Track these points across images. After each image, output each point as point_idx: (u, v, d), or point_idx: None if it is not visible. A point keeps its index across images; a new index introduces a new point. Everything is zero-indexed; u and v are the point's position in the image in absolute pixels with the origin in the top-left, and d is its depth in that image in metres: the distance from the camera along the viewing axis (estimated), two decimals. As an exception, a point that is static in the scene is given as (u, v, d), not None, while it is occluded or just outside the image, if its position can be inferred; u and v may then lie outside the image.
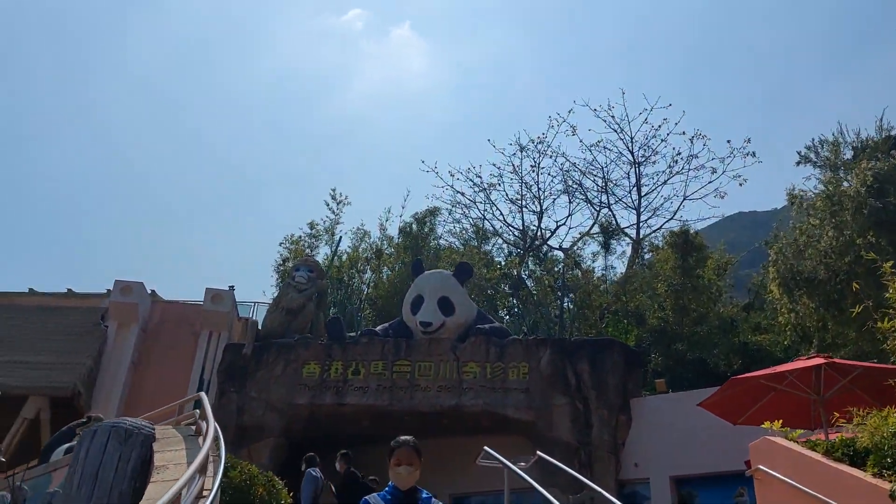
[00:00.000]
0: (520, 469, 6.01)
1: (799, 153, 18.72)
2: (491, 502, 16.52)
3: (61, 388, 14.30)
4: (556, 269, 29.75)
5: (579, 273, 29.21)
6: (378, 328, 17.07)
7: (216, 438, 6.06)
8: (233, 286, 16.87)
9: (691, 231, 21.87)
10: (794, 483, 5.45)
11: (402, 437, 4.10)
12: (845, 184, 15.51)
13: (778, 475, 5.71)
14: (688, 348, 21.05)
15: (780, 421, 6.31)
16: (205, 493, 4.79)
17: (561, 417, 14.58)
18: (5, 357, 14.98)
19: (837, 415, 6.21)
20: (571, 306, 27.99)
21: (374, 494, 3.95)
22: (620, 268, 29.67)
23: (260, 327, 16.68)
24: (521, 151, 28.04)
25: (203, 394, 8.42)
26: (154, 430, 6.37)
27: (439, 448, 16.78)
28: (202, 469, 4.99)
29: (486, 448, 6.68)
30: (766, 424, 6.35)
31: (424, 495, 3.99)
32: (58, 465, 7.37)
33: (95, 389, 15.28)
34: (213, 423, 6.44)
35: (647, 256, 29.05)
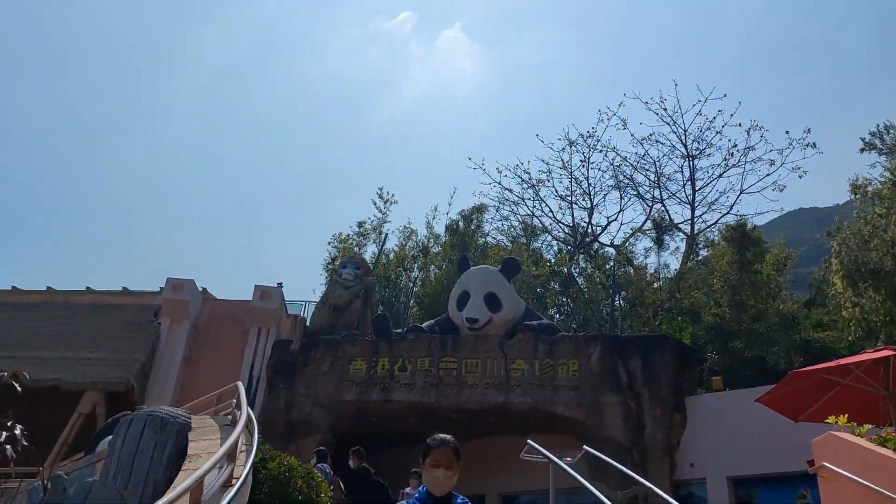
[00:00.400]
0: (566, 464, 5.76)
1: (863, 139, 17.81)
2: (541, 501, 16.21)
3: (116, 383, 14.58)
4: (607, 266, 29.23)
5: (631, 270, 28.59)
6: (424, 325, 16.95)
7: (249, 426, 5.97)
8: (281, 283, 16.99)
9: (748, 225, 21.08)
10: (862, 481, 5.05)
11: (441, 436, 3.47)
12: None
13: (844, 473, 5.31)
14: (746, 346, 20.32)
15: (846, 416, 5.88)
16: (233, 481, 4.69)
17: (612, 416, 14.18)
18: (63, 353, 15.36)
19: (909, 411, 5.76)
20: (623, 304, 27.45)
21: (405, 502, 3.43)
22: (674, 264, 28.88)
23: (308, 324, 16.74)
24: (571, 146, 27.53)
25: (240, 383, 8.37)
26: (190, 419, 6.32)
27: (487, 447, 16.59)
28: (231, 457, 4.90)
29: (529, 442, 6.44)
30: (831, 419, 5.92)
31: (460, 501, 3.39)
32: (101, 456, 7.43)
33: (148, 385, 15.54)
34: (245, 410, 6.36)
35: (702, 253, 28.26)
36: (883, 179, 15.40)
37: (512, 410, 14.76)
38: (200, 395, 15.92)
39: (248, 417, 6.54)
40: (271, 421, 15.23)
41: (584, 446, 6.18)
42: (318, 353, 15.81)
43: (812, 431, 12.20)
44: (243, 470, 4.86)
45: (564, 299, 27.86)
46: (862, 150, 17.76)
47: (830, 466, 5.57)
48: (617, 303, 26.54)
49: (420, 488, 3.39)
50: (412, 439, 18.44)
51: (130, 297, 17.37)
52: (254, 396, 15.79)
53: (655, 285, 27.79)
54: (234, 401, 7.12)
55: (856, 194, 19.00)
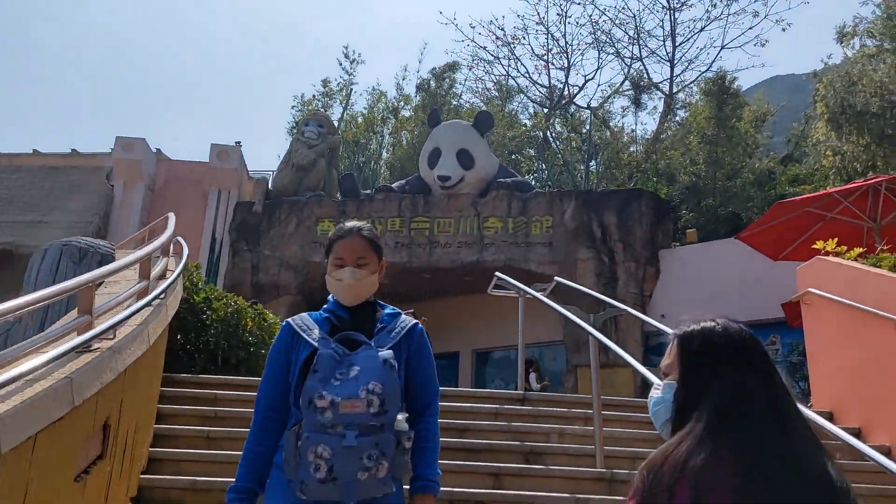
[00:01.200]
0: (539, 293, 5.39)
1: None
2: (513, 356, 16.33)
3: (70, 247, 13.94)
4: (583, 130, 28.47)
5: (608, 133, 27.88)
6: (395, 185, 16.33)
7: (177, 251, 5.45)
8: (239, 142, 16.08)
9: (728, 77, 20.25)
10: (852, 303, 4.70)
11: (349, 224, 2.57)
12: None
13: (832, 297, 4.97)
14: (720, 203, 20.06)
15: (836, 239, 5.49)
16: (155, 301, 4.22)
17: (585, 271, 13.96)
18: (14, 217, 14.60)
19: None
20: (599, 167, 26.94)
21: (304, 314, 2.46)
22: (651, 125, 28.26)
23: (271, 187, 16.04)
24: (547, -1, 25.89)
25: (171, 214, 7.84)
26: (113, 249, 5.78)
27: (460, 305, 16.48)
28: (146, 273, 4.44)
29: (497, 274, 6.02)
30: (819, 244, 5.54)
31: (389, 311, 2.52)
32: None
33: (107, 250, 14.93)
34: (169, 232, 5.85)
35: (680, 113, 27.52)
36: (874, 17, 14.56)
37: (486, 269, 14.42)
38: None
39: (176, 243, 6.06)
40: (238, 283, 14.84)
41: (556, 277, 5.77)
42: (283, 215, 15.23)
43: (786, 277, 12.15)
44: (164, 284, 4.42)
45: (540, 164, 27.28)
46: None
47: (817, 291, 5.22)
48: (592, 166, 26.04)
49: (329, 298, 2.48)
50: (383, 300, 18.35)
51: (81, 159, 16.43)
52: (217, 259, 15.30)
53: (632, 148, 27.24)
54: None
55: (841, 42, 18.14)
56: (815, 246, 5.59)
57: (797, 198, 7.85)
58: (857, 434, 4.60)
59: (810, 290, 5.27)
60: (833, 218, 7.26)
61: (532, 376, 13.23)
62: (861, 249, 5.22)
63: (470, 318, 15.76)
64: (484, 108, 26.51)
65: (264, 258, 15.04)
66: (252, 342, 5.41)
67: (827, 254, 5.34)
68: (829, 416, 4.99)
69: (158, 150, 16.66)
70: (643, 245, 13.95)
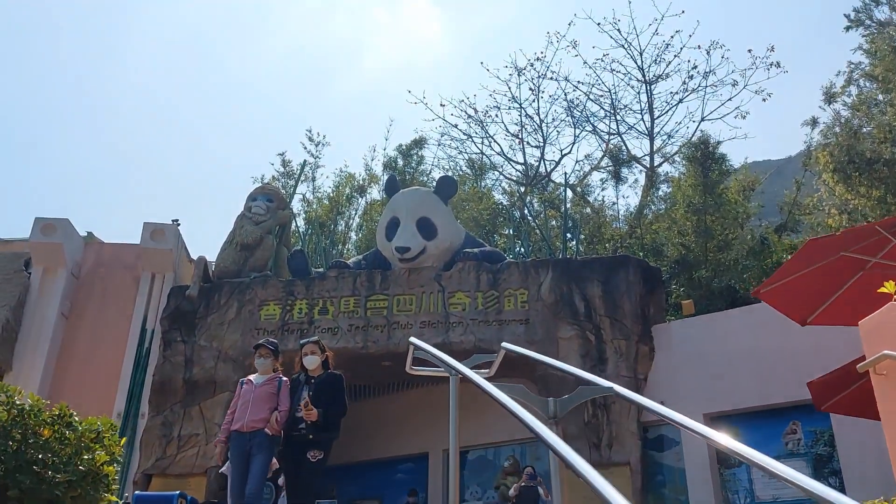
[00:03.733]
0: (477, 375, 3.59)
1: (847, 17, 15.50)
2: (492, 456, 14.14)
3: (-34, 343, 11.93)
4: (562, 208, 27.18)
5: (588, 209, 26.58)
6: (350, 261, 14.58)
7: None
8: (177, 220, 14.36)
9: (711, 141, 19.04)
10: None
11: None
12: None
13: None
14: (713, 276, 18.46)
15: (915, 277, 3.76)
16: None
17: (569, 351, 12.07)
18: None
19: None
20: (581, 244, 25.46)
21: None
22: (634, 199, 27.02)
23: (213, 269, 14.25)
24: (519, 75, 25.12)
25: None
26: None
27: (428, 397, 14.42)
28: None
29: (413, 340, 4.18)
30: (889, 286, 3.80)
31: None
32: None
33: (18, 344, 12.91)
34: None
35: (662, 188, 26.35)
36: (874, 61, 13.34)
37: (453, 352, 12.34)
38: (84, 354, 13.40)
39: None
40: (168, 381, 12.79)
41: (503, 344, 3.95)
42: (223, 299, 13.36)
43: (809, 349, 10.27)
44: None
45: (516, 242, 25.79)
46: (847, 29, 15.63)
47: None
48: (573, 244, 24.56)
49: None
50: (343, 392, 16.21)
51: (3, 246, 14.61)
52: (147, 353, 13.28)
53: (615, 224, 25.89)
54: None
55: (829, 102, 17.02)
56: (882, 290, 3.85)
57: (833, 235, 6.16)
58: None
59: (888, 352, 3.50)
60: (878, 264, 5.55)
61: (513, 486, 11.12)
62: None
63: (439, 412, 13.64)
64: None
65: (199, 350, 13.05)
66: (52, 462, 3.48)
67: (904, 299, 3.62)
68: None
69: (90, 233, 14.92)
70: (634, 320, 12.13)
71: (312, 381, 6.26)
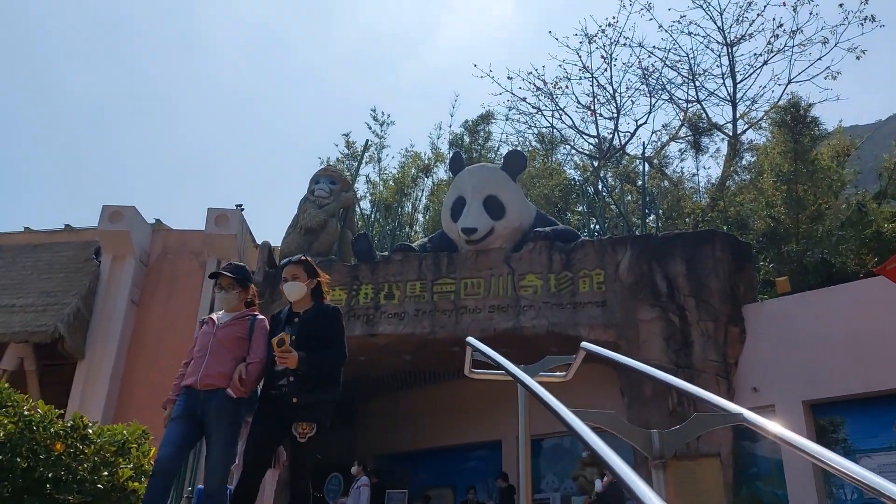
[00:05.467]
0: (555, 376, 2.97)
1: None
2: (567, 445, 13.45)
3: (40, 332, 12.02)
4: (638, 181, 25.96)
5: (666, 182, 25.26)
6: (416, 244, 14.08)
7: None
8: (241, 205, 14.15)
9: (803, 104, 17.54)
10: None
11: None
12: None
13: None
14: (805, 249, 17.07)
15: None
16: None
17: (650, 335, 11.23)
18: (-13, 303, 12.86)
19: None
20: (659, 219, 24.22)
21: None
22: (715, 170, 25.54)
23: (277, 253, 14.03)
24: (590, 43, 23.93)
25: None
26: None
27: (500, 384, 13.85)
28: None
29: (471, 341, 3.57)
30: None
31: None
32: None
33: (90, 332, 12.98)
34: None
35: (746, 157, 24.75)
36: None
37: (524, 337, 11.86)
38: (154, 341, 13.40)
39: None
40: (236, 368, 12.64)
41: (583, 344, 3.28)
42: (288, 284, 13.07)
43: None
44: None
45: (591, 220, 24.77)
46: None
47: None
48: (651, 219, 23.39)
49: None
50: (408, 381, 15.79)
51: (73, 235, 14.77)
52: (214, 340, 13.13)
53: (695, 197, 24.53)
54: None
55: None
56: None
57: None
58: None
59: None
60: None
61: (600, 482, 10.44)
62: None
63: (512, 398, 13.03)
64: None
65: (266, 336, 12.83)
66: (66, 481, 3.04)
67: None
68: None
69: (158, 220, 14.91)
70: (722, 299, 11.17)
71: (297, 318, 4.35)
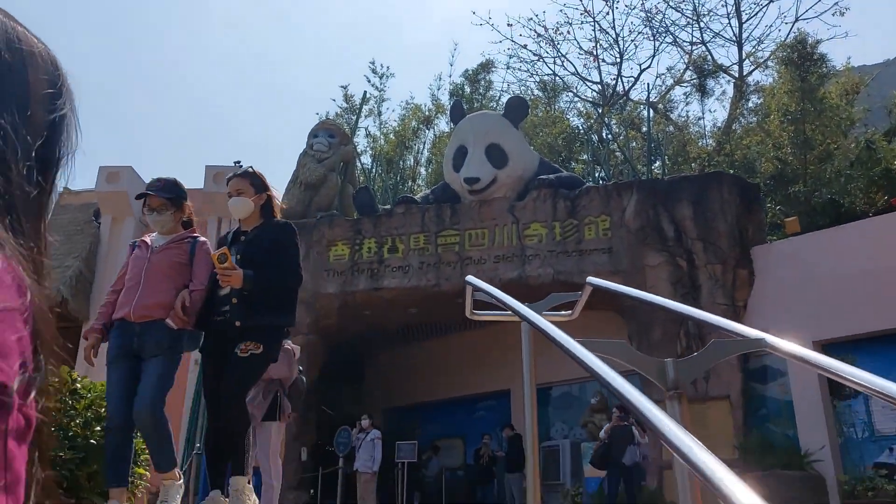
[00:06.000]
0: (557, 315, 2.84)
1: None
2: (577, 392, 13.45)
3: (43, 296, 11.96)
4: (643, 128, 25.55)
5: (671, 127, 24.84)
6: (418, 196, 13.88)
7: None
8: (238, 161, 13.91)
9: (810, 40, 17.06)
10: None
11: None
12: None
13: None
14: (813, 190, 16.80)
15: None
16: None
17: (658, 280, 11.09)
18: (-12, 269, 12.77)
19: None
20: (665, 164, 23.89)
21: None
22: (721, 113, 25.07)
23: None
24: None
25: None
26: None
27: (507, 334, 13.79)
28: None
29: (471, 279, 3.41)
30: None
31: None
32: None
33: (93, 294, 12.94)
34: None
35: (752, 99, 24.26)
36: None
37: (530, 286, 11.72)
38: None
39: None
40: (241, 326, 12.60)
41: (589, 279, 3.13)
42: (290, 241, 12.93)
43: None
44: None
45: (595, 167, 24.43)
46: None
47: None
48: (657, 165, 23.05)
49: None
50: (414, 334, 15.76)
51: (71, 197, 14.61)
52: (219, 299, 13.06)
53: (701, 142, 24.15)
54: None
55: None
56: None
57: None
58: None
59: None
60: None
61: (604, 428, 10.41)
62: None
63: (520, 348, 12.99)
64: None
65: (270, 293, 12.76)
66: (58, 438, 2.91)
67: None
68: None
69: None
70: (730, 242, 11.00)
71: (243, 236, 3.85)
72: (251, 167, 3.98)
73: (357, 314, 12.80)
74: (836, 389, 10.32)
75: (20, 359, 0.54)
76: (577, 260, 11.48)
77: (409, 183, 22.18)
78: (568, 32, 24.13)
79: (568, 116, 23.58)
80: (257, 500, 3.58)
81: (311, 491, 12.45)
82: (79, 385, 3.34)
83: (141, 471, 3.91)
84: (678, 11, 24.15)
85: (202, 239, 3.92)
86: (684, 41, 24.76)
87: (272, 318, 3.64)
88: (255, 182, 3.86)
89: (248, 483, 3.71)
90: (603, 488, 10.30)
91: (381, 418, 15.19)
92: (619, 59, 24.93)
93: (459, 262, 12.08)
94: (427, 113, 22.47)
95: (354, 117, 20.08)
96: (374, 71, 23.55)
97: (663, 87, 25.55)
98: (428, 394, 15.18)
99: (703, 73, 24.01)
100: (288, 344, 5.65)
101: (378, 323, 13.37)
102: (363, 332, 13.49)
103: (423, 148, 23.08)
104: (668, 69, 24.90)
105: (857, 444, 9.95)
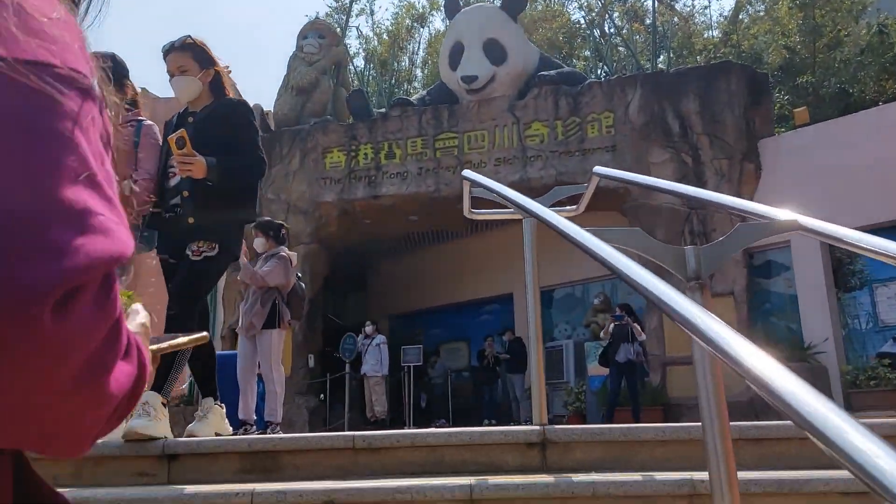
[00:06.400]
0: (560, 215, 2.67)
1: None
2: (580, 294, 13.46)
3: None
4: (647, 21, 24.55)
5: (676, 18, 23.85)
6: (414, 98, 13.43)
7: None
8: (227, 66, 13.38)
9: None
10: None
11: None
12: None
13: None
14: (822, 79, 16.26)
15: None
16: None
17: (663, 176, 10.75)
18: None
19: None
20: (669, 58, 23.07)
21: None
22: (728, 1, 24.00)
23: (269, 116, 13.45)
24: None
25: None
26: None
27: (508, 237, 13.67)
28: None
29: (468, 174, 3.20)
30: None
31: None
32: None
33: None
34: None
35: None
36: None
37: (533, 188, 11.48)
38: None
39: None
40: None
41: (596, 168, 2.93)
42: (284, 149, 12.61)
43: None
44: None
45: (598, 63, 23.63)
46: None
47: None
48: (661, 59, 22.26)
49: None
50: (416, 241, 15.64)
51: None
52: (216, 211, 12.87)
53: (707, 34, 23.25)
54: None
55: None
56: None
57: None
58: None
59: None
60: None
61: (604, 328, 10.40)
62: None
63: (522, 251, 12.90)
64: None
65: (268, 203, 12.49)
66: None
67: None
68: None
69: (143, 88, 14.19)
70: (737, 135, 10.67)
71: (191, 117, 3.41)
72: (190, 37, 3.36)
73: (357, 223, 12.63)
74: (842, 282, 10.27)
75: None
76: (581, 160, 11.19)
77: (406, 86, 21.53)
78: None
79: (568, 10, 22.57)
80: (167, 413, 3.06)
81: (321, 396, 12.67)
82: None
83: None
84: None
85: (148, 122, 3.48)
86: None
87: (229, 213, 3.27)
88: (200, 56, 3.33)
89: (217, 404, 3.42)
90: (606, 386, 10.43)
91: (387, 325, 15.31)
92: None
93: (459, 166, 11.77)
94: (421, 10, 21.54)
95: (345, 17, 19.25)
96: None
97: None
98: (432, 300, 15.23)
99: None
100: (284, 251, 5.51)
101: (379, 231, 13.22)
102: (365, 240, 13.36)
103: (419, 48, 22.27)
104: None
105: (860, 335, 9.98)
